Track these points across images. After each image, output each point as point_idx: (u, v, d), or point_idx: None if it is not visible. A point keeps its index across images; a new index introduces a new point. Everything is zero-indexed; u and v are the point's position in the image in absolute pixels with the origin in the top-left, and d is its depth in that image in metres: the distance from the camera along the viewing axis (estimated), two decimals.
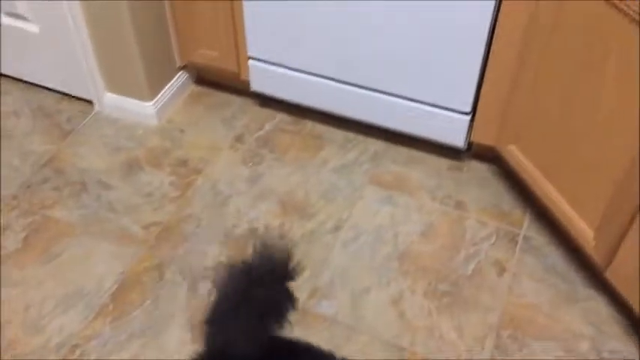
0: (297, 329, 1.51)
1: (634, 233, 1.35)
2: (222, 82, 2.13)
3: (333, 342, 1.49)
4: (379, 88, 1.81)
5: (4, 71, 2.14)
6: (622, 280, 1.42)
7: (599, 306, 1.56)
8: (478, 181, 1.86)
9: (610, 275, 1.46)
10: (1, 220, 1.74)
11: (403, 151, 1.94)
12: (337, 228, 1.74)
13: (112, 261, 1.65)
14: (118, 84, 1.97)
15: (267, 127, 2.02)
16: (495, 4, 1.50)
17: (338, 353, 1.46)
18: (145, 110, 1.98)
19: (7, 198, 1.80)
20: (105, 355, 1.47)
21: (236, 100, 2.10)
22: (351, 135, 1.99)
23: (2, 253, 1.67)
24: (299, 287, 1.60)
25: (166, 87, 2.02)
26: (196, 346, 1.47)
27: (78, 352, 1.48)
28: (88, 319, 1.53)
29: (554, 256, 1.66)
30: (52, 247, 1.68)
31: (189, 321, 1.53)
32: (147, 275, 1.62)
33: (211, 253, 1.67)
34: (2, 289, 1.59)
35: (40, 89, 2.13)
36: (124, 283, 1.61)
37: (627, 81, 1.27)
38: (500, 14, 1.51)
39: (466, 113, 1.74)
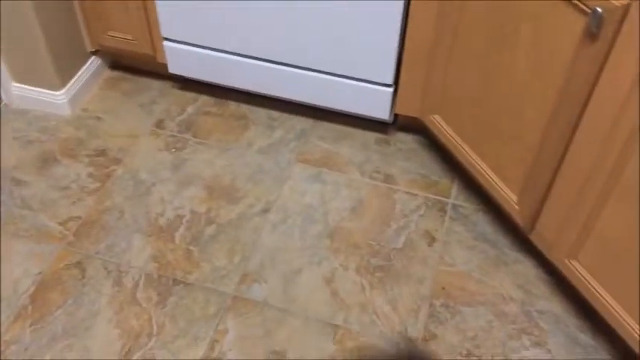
0: (228, 317, 1.49)
1: (553, 196, 1.37)
2: (138, 66, 2.04)
3: (266, 327, 1.47)
4: (301, 65, 1.76)
5: None
6: (545, 241, 1.45)
7: (527, 268, 1.59)
8: (405, 153, 1.85)
9: (534, 238, 1.49)
10: None
11: (330, 128, 1.91)
12: (266, 210, 1.70)
13: (28, 261, 1.56)
14: (24, 73, 1.85)
15: (189, 110, 1.95)
16: None
17: (271, 337, 1.44)
18: (56, 100, 1.88)
19: None
20: None
21: (155, 84, 2.02)
22: (276, 114, 1.94)
23: None
24: (229, 273, 1.57)
25: (78, 74, 1.92)
26: (123, 342, 1.42)
27: None
28: (5, 325, 1.45)
29: (483, 222, 1.68)
30: None
31: (116, 316, 1.47)
32: (67, 273, 1.55)
33: (136, 245, 1.61)
34: None
35: None
36: (42, 284, 1.52)
37: (539, 51, 1.28)
38: None
39: (388, 85, 1.73)
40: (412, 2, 1.52)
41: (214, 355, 1.42)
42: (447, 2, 1.45)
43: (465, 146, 1.59)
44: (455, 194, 1.75)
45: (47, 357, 1.40)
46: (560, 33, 1.21)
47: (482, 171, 1.56)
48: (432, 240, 1.64)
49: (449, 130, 1.64)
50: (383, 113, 1.80)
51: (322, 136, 1.89)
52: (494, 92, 1.43)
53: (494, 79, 1.41)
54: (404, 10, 1.55)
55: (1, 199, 1.69)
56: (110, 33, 1.86)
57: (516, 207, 1.49)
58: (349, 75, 1.74)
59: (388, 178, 1.78)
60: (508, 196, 1.51)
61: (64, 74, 1.86)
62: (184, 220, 1.67)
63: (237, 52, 1.79)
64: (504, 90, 1.39)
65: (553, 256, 1.43)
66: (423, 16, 1.52)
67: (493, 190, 1.55)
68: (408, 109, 1.75)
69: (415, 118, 1.80)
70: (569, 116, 1.24)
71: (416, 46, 1.60)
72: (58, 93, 1.87)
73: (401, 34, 1.61)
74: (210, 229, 1.65)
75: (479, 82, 1.46)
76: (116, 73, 2.04)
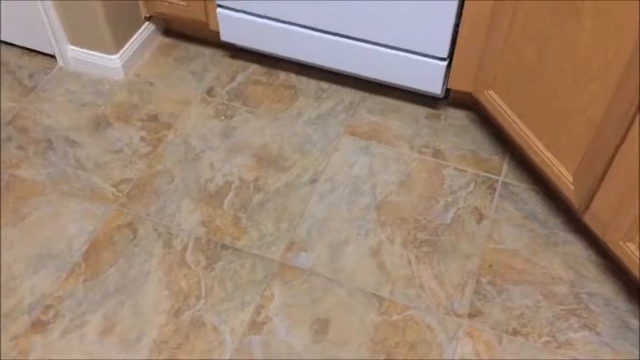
0: (275, 283, 1.50)
1: (612, 176, 1.34)
2: (191, 33, 2.05)
3: (312, 295, 1.48)
4: (354, 35, 1.75)
5: None
6: (600, 223, 1.42)
7: (578, 249, 1.56)
8: (456, 128, 1.83)
9: (588, 219, 1.46)
10: None
11: (379, 100, 1.90)
12: (313, 180, 1.70)
13: (82, 220, 1.60)
14: (81, 37, 1.88)
15: (239, 78, 1.96)
16: None
17: (317, 305, 1.46)
18: (110, 64, 1.90)
19: None
20: (80, 314, 1.44)
21: (206, 52, 2.03)
22: (325, 85, 1.94)
23: None
24: (276, 240, 1.58)
25: (132, 39, 1.94)
26: (172, 302, 1.45)
27: (51, 312, 1.44)
28: (60, 280, 1.49)
29: (533, 201, 1.66)
30: (19, 208, 1.63)
31: (166, 277, 1.50)
32: (119, 233, 1.58)
33: (186, 209, 1.63)
34: None
35: None
36: (95, 242, 1.56)
37: (603, 24, 1.24)
38: None
39: (442, 59, 1.70)
40: None
41: (260, 319, 1.44)
42: None
43: (520, 123, 1.56)
44: (505, 172, 1.72)
45: (100, 312, 1.44)
46: (627, 3, 1.17)
47: (537, 149, 1.53)
48: (480, 217, 1.63)
49: (503, 107, 1.61)
50: (435, 88, 1.77)
51: (371, 109, 1.88)
52: (554, 66, 1.39)
53: (555, 52, 1.37)
54: None
55: (54, 159, 1.73)
56: None
57: (571, 186, 1.46)
58: (402, 47, 1.72)
59: (437, 154, 1.76)
60: (563, 175, 1.47)
61: (119, 38, 1.88)
62: (233, 187, 1.68)
63: (291, 20, 1.78)
64: (566, 63, 1.36)
65: (608, 238, 1.40)
66: None
67: (547, 168, 1.52)
68: (462, 84, 1.72)
69: (467, 94, 1.77)
70: (636, 91, 1.20)
71: (473, 19, 1.56)
72: (112, 57, 1.89)
73: (459, 4, 1.57)
74: (258, 197, 1.66)
75: (538, 56, 1.43)
76: (168, 40, 2.06)
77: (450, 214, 1.63)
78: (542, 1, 1.36)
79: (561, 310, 1.46)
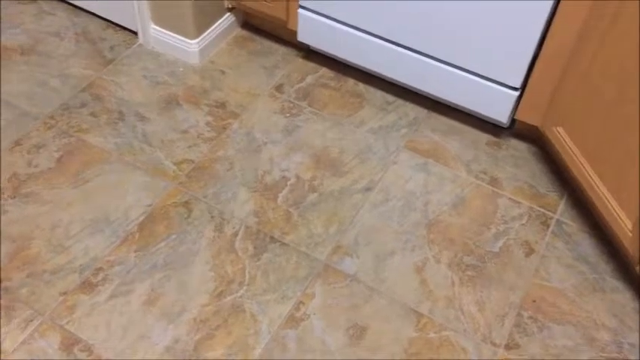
0: (317, 283, 1.52)
1: None
2: (268, 29, 2.09)
3: (352, 301, 1.49)
4: (429, 53, 1.76)
5: None
6: None
7: (625, 299, 1.53)
8: (516, 160, 1.82)
9: None
10: (38, 139, 1.75)
11: (443, 121, 1.90)
12: (368, 189, 1.72)
13: (141, 192, 1.65)
14: (164, 18, 1.94)
15: (309, 79, 1.99)
16: None
17: (355, 311, 1.47)
18: (188, 48, 1.96)
19: (45, 117, 1.80)
20: (127, 282, 1.48)
21: (280, 49, 2.07)
22: (391, 98, 1.95)
23: (34, 171, 1.68)
24: (323, 241, 1.60)
25: (212, 27, 1.99)
26: (216, 284, 1.49)
27: (101, 275, 1.49)
28: (113, 245, 1.54)
29: (586, 244, 1.64)
30: (84, 171, 1.69)
31: (213, 259, 1.54)
32: (175, 210, 1.63)
33: (240, 197, 1.67)
34: (30, 206, 1.60)
35: (86, 14, 2.11)
36: (151, 215, 1.61)
37: None
38: None
39: (515, 89, 1.70)
40: (558, 9, 1.49)
41: (298, 315, 1.46)
42: (596, 13, 1.41)
43: (586, 164, 1.55)
44: (561, 210, 1.70)
45: (147, 283, 1.48)
46: None
47: (599, 191, 1.52)
48: (530, 251, 1.61)
49: (571, 145, 1.59)
50: (502, 116, 1.77)
51: (434, 128, 1.89)
52: (632, 111, 1.38)
53: (635, 96, 1.36)
54: (550, 13, 1.52)
55: (123, 130, 1.79)
56: None
57: (629, 234, 1.44)
58: (476, 72, 1.72)
59: (494, 182, 1.76)
60: (622, 221, 1.46)
61: (200, 25, 1.94)
62: (289, 183, 1.71)
63: (369, 30, 1.81)
64: None
65: None
66: (569, 20, 1.49)
67: (607, 213, 1.50)
68: (530, 116, 1.72)
69: (532, 127, 1.76)
70: None
71: (553, 53, 1.56)
72: (191, 41, 1.95)
73: (540, 38, 1.57)
74: (312, 197, 1.69)
75: (618, 97, 1.41)
76: (245, 33, 2.11)
77: (500, 243, 1.63)
78: (632, 40, 1.35)
79: (601, 356, 1.44)
